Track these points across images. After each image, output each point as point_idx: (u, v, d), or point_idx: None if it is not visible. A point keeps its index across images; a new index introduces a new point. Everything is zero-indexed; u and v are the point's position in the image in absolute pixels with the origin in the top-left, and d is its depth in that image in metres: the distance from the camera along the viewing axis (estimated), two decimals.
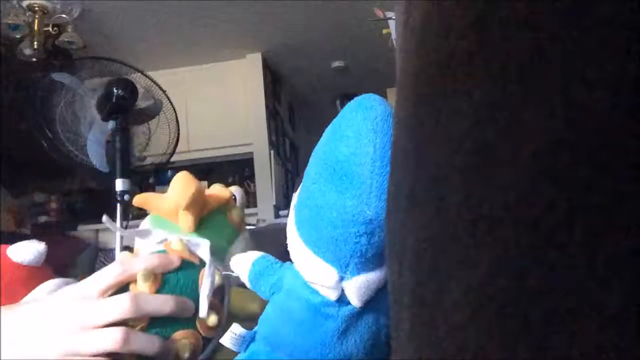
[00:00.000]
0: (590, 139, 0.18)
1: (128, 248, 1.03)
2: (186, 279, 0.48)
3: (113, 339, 0.42)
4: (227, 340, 0.45)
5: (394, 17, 1.70)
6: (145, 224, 0.57)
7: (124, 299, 0.44)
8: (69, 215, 3.70)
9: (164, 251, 0.50)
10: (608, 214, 0.18)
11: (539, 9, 0.19)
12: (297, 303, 0.43)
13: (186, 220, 0.51)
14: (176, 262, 0.48)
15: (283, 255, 0.47)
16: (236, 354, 0.47)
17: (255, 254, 0.47)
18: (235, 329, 0.45)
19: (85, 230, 3.48)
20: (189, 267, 0.49)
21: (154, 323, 0.46)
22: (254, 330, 0.46)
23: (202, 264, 0.50)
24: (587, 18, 0.18)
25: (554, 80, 0.19)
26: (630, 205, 0.18)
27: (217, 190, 0.57)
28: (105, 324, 0.43)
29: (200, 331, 0.48)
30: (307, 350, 0.42)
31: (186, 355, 0.46)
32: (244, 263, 0.47)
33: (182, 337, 0.47)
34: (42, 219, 3.58)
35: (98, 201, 3.48)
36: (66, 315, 0.44)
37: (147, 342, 0.44)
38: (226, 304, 0.52)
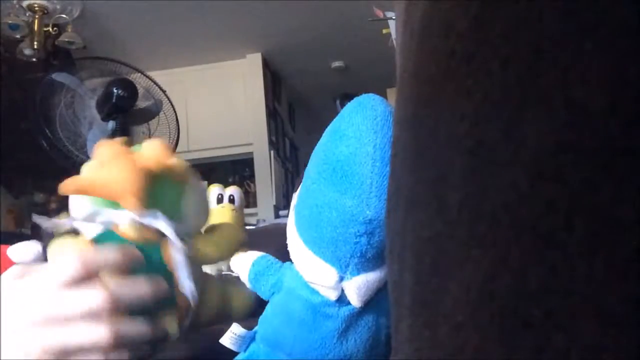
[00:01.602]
0: (590, 139, 0.18)
1: None
2: (151, 267, 0.42)
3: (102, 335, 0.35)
4: (227, 340, 0.45)
5: (394, 17, 1.70)
6: (83, 204, 0.49)
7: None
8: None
9: (111, 235, 0.44)
10: (608, 214, 0.18)
11: (539, 9, 0.19)
12: (297, 303, 0.43)
13: (132, 203, 0.42)
14: (139, 257, 0.41)
15: (283, 255, 0.47)
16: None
17: (255, 254, 0.47)
18: (235, 329, 0.45)
19: None
20: (149, 248, 0.43)
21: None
22: (254, 330, 0.46)
23: (161, 234, 0.43)
24: (587, 18, 0.18)
25: (554, 81, 0.19)
26: (630, 206, 0.18)
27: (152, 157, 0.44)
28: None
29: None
30: (307, 350, 0.42)
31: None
32: (244, 263, 0.47)
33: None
34: None
35: None
36: (35, 305, 0.37)
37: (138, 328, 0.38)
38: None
